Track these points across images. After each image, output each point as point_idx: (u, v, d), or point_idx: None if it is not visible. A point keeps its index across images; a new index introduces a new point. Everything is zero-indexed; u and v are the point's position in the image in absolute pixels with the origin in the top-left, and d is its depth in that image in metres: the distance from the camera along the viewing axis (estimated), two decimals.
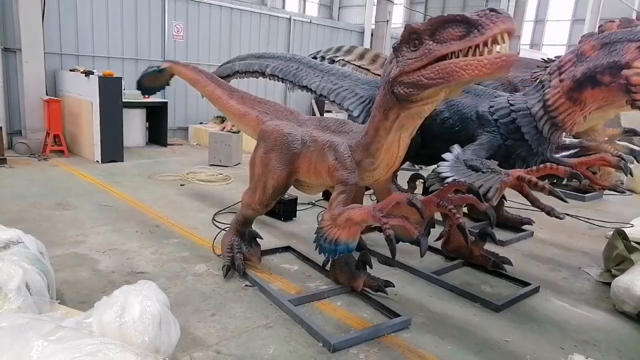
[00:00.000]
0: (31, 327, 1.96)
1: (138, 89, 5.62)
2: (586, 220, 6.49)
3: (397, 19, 25.11)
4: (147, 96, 9.60)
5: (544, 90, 3.68)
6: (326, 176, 3.42)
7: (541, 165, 3.19)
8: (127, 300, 2.40)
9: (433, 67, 2.44)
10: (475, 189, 2.73)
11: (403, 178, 4.15)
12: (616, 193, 4.54)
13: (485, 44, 2.25)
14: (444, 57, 2.40)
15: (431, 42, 2.44)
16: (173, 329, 2.50)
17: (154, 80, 5.34)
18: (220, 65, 6.04)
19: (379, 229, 5.34)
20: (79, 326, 2.31)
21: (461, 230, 2.66)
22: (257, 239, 4.33)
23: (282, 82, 5.31)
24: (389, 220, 2.64)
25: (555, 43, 27.94)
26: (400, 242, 2.98)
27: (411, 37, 2.54)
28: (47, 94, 8.56)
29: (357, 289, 3.77)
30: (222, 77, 5.47)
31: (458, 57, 2.34)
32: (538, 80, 3.81)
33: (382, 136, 2.97)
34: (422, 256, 2.84)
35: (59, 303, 2.99)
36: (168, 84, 5.45)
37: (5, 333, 1.94)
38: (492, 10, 2.28)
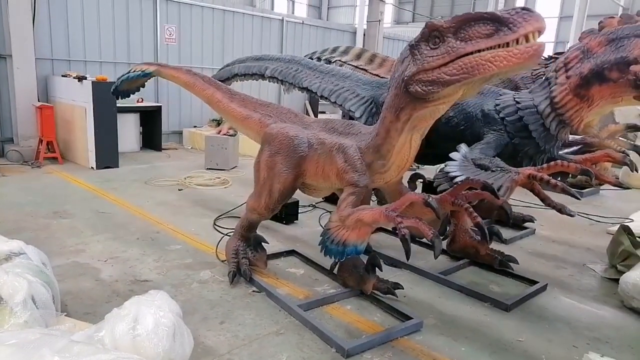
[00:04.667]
0: (44, 343, 1.89)
1: (113, 93, 5.01)
2: (586, 216, 6.50)
3: (387, 18, 25.15)
4: (141, 99, 9.53)
5: (550, 88, 3.66)
6: (335, 179, 3.37)
7: (552, 163, 3.17)
8: (139, 312, 2.33)
9: (455, 63, 2.39)
10: (490, 185, 2.69)
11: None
12: (620, 189, 4.53)
13: (516, 42, 2.22)
14: (466, 56, 2.36)
15: (454, 40, 2.39)
16: (187, 339, 2.44)
17: (132, 83, 4.89)
18: (220, 69, 5.96)
19: (384, 230, 5.32)
20: (90, 340, 2.24)
21: (480, 228, 2.61)
22: (263, 243, 4.27)
23: (282, 84, 5.26)
24: (404, 220, 2.58)
25: (543, 40, 28.24)
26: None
27: (432, 34, 2.49)
28: (39, 100, 8.42)
29: (366, 291, 3.72)
30: (222, 81, 5.41)
31: None
32: (544, 78, 3.79)
33: (393, 137, 2.92)
34: (435, 257, 2.79)
35: (65, 315, 2.92)
36: (143, 86, 5.05)
37: (18, 350, 1.86)
38: (523, 8, 2.27)
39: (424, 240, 4.02)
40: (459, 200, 2.66)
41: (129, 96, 5.11)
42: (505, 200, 2.77)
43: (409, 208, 2.75)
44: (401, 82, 2.69)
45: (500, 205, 2.69)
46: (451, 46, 2.40)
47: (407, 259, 2.68)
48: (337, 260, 3.56)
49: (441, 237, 2.79)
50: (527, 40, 2.21)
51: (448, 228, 4.66)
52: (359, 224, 2.91)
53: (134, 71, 4.66)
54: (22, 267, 2.87)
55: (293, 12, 28.21)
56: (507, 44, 2.22)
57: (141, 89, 5.06)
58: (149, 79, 4.79)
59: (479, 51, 2.31)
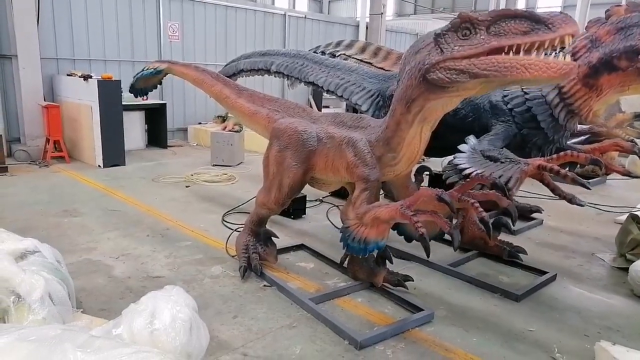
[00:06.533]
0: (66, 339, 1.92)
1: (131, 91, 5.32)
2: (594, 205, 6.49)
3: (388, 10, 25.04)
4: (145, 97, 9.52)
5: None
6: (344, 173, 3.38)
7: (562, 153, 3.17)
8: (156, 307, 2.36)
9: (489, 59, 2.41)
10: (501, 184, 2.71)
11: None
12: (628, 177, 4.53)
13: (552, 42, 2.28)
14: (499, 50, 2.39)
15: (487, 33, 2.43)
16: (203, 333, 2.47)
17: (148, 81, 5.12)
18: (226, 65, 5.98)
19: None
20: (108, 335, 2.27)
21: (484, 224, 2.63)
22: (273, 238, 4.29)
23: (288, 79, 5.27)
24: (419, 217, 2.62)
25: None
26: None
27: (463, 25, 2.51)
28: (45, 100, 8.45)
29: (377, 284, 3.75)
30: (227, 77, 5.43)
31: (517, 52, 2.34)
32: None
33: (403, 130, 2.93)
34: (455, 250, 2.84)
35: (81, 312, 2.96)
36: (160, 84, 5.27)
37: (40, 346, 1.90)
38: (560, 13, 2.35)
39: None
40: (465, 196, 2.68)
41: (146, 94, 5.36)
42: (511, 203, 2.79)
43: (423, 203, 2.77)
44: (417, 72, 2.69)
45: (506, 207, 2.72)
46: (484, 38, 2.43)
47: (427, 256, 2.74)
48: (361, 256, 3.57)
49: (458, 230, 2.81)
50: (562, 42, 2.27)
51: (457, 221, 4.69)
52: (377, 221, 2.98)
53: (148, 69, 4.84)
54: (38, 265, 2.91)
55: (294, 7, 28.11)
56: (543, 44, 2.28)
57: (158, 86, 5.30)
58: (163, 76, 4.97)
59: (510, 47, 2.35)
